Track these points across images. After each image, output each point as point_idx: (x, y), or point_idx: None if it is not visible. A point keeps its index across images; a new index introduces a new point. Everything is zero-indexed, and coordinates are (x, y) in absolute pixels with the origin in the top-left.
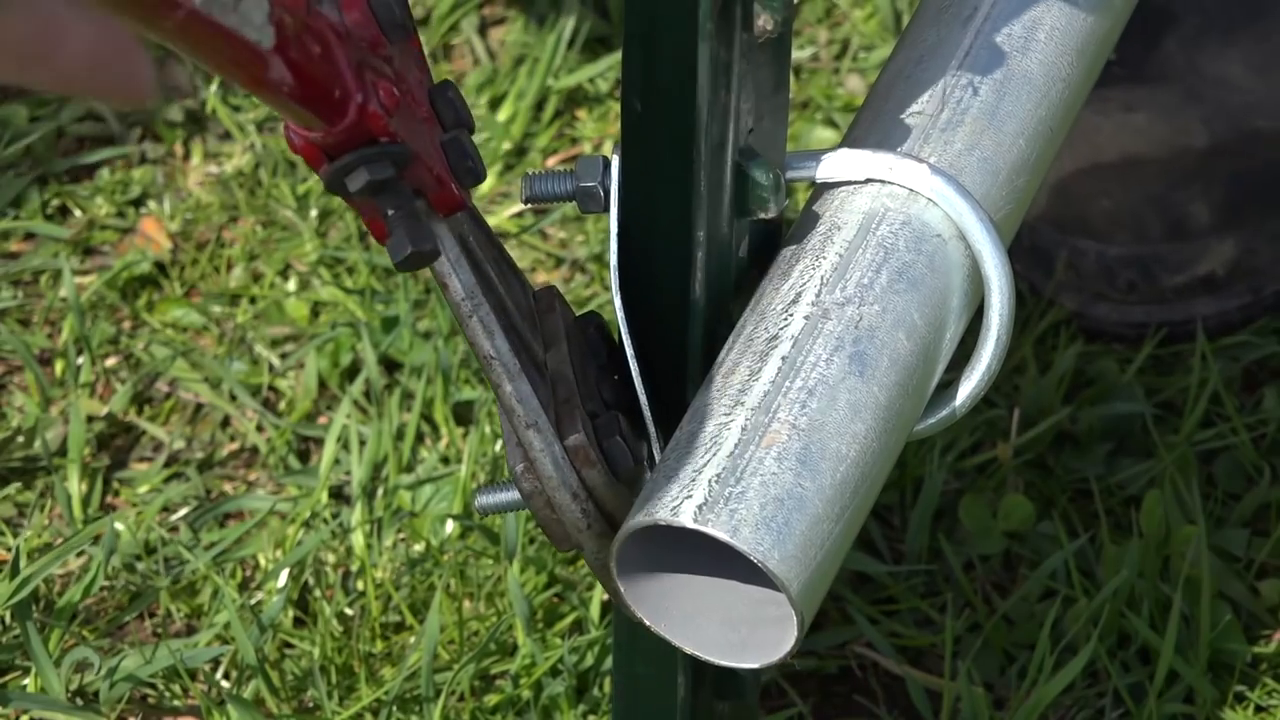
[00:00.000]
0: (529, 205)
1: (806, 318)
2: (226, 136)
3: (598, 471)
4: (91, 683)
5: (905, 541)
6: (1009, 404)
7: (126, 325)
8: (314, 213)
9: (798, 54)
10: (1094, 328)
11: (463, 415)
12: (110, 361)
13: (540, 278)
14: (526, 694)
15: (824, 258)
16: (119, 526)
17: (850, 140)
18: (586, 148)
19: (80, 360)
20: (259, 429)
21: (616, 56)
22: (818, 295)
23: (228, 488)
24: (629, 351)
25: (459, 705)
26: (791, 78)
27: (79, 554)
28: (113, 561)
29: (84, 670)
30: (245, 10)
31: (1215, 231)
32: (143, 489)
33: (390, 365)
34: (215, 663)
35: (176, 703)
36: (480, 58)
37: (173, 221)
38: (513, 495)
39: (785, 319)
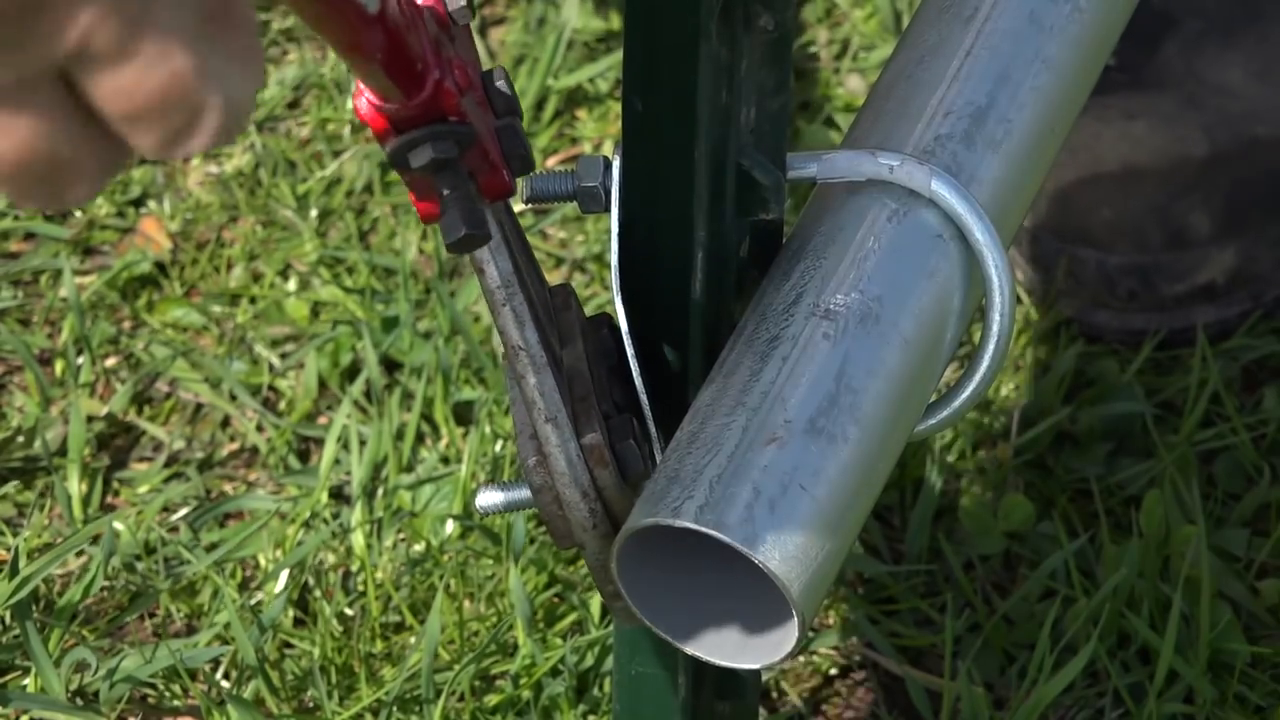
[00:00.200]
0: (529, 205)
1: (807, 318)
2: None
3: (609, 472)
4: (91, 683)
5: (905, 541)
6: (1009, 404)
7: (126, 325)
8: (314, 213)
9: (798, 54)
10: (1094, 335)
11: (463, 415)
12: (110, 361)
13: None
14: (527, 694)
15: (825, 258)
16: (119, 526)
17: (851, 141)
18: (586, 148)
19: (80, 360)
20: (259, 429)
21: (616, 56)
22: (818, 295)
23: (228, 488)
24: (630, 352)
25: (459, 705)
26: (792, 78)
27: (79, 554)
28: (113, 561)
29: (84, 670)
30: None
31: (1216, 240)
32: (143, 489)
33: (390, 365)
34: (215, 663)
35: (176, 703)
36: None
37: (173, 221)
38: (513, 495)
39: (786, 319)
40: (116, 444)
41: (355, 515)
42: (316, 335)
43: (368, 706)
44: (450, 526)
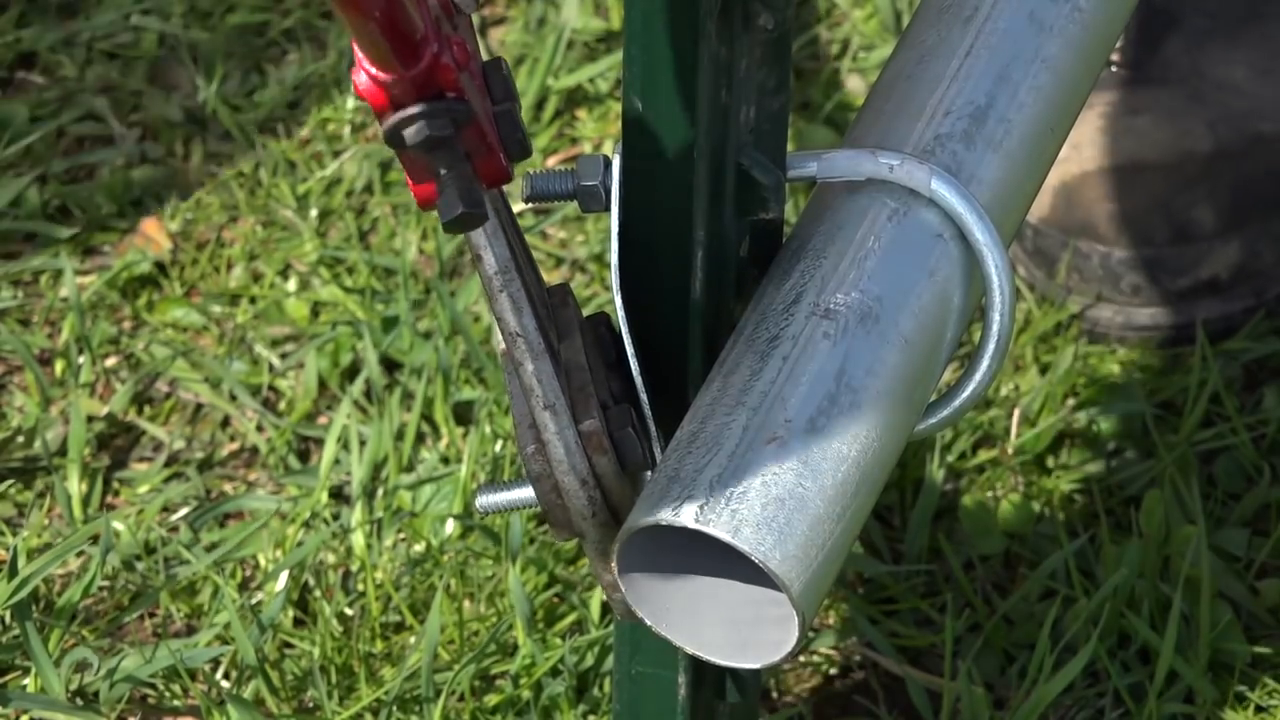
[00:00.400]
0: (529, 204)
1: (807, 318)
2: (226, 136)
3: (608, 460)
4: (91, 683)
5: (905, 541)
6: (1009, 404)
7: (127, 325)
8: (314, 213)
9: (798, 54)
10: (1097, 331)
11: (463, 415)
12: (110, 361)
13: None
14: (526, 694)
15: (824, 257)
16: (119, 526)
17: (851, 140)
18: (586, 147)
19: (80, 360)
20: (259, 429)
21: (616, 56)
22: (818, 295)
23: (228, 488)
24: (630, 350)
25: (459, 705)
26: (792, 77)
27: (78, 554)
28: (112, 561)
29: (84, 670)
30: None
31: (1220, 234)
32: (143, 489)
33: (390, 365)
34: (215, 663)
35: (176, 703)
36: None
37: (173, 221)
38: (513, 494)
39: (786, 319)
40: (116, 444)
41: (355, 515)
42: (316, 335)
43: (368, 706)
44: (450, 526)
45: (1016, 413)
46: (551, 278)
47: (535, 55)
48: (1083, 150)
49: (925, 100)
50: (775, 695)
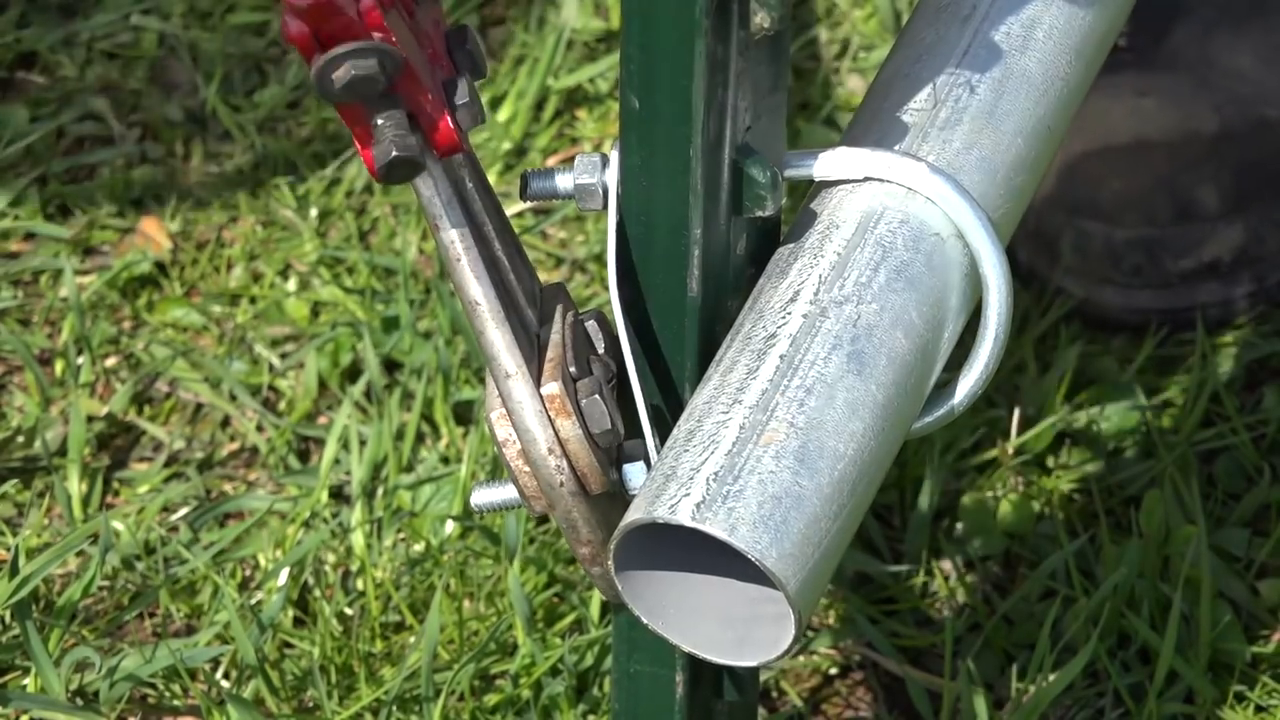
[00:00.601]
0: (529, 203)
1: (805, 316)
2: (226, 136)
3: (572, 423)
4: (91, 682)
5: (905, 541)
6: (1009, 404)
7: (126, 325)
8: (314, 213)
9: (798, 54)
10: (1098, 314)
11: (463, 415)
12: (110, 361)
13: (540, 278)
14: (526, 694)
15: (822, 256)
16: (119, 526)
17: (848, 139)
18: (586, 147)
19: (80, 360)
20: (259, 429)
21: (616, 56)
22: (816, 294)
23: (228, 488)
24: (626, 348)
25: (459, 705)
26: (791, 77)
27: (78, 553)
28: (112, 561)
29: (84, 670)
30: None
31: (1223, 215)
32: (143, 489)
33: (390, 365)
34: (215, 662)
35: (176, 702)
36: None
37: (173, 221)
38: (510, 493)
39: (783, 317)
40: (116, 444)
41: (355, 515)
42: (316, 335)
43: (367, 706)
44: (450, 526)
45: (1016, 413)
46: (551, 278)
47: (535, 55)
48: (1087, 129)
49: (923, 99)
50: (775, 695)
